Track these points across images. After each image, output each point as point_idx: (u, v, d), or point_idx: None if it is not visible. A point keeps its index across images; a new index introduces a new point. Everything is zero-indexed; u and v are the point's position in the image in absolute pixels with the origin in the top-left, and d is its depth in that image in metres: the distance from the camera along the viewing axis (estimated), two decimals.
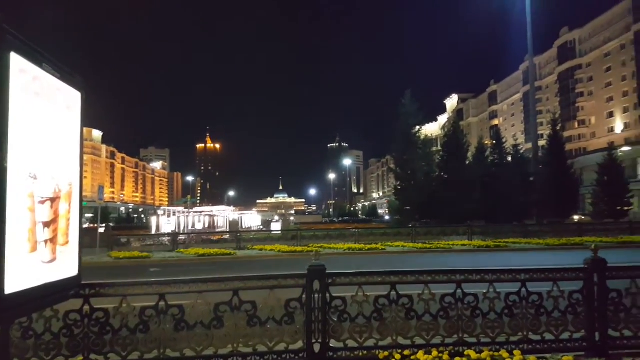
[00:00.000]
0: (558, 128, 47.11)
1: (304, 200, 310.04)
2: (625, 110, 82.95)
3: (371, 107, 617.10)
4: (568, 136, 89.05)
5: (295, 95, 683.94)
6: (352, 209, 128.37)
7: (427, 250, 20.62)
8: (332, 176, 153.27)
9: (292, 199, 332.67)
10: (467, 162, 41.98)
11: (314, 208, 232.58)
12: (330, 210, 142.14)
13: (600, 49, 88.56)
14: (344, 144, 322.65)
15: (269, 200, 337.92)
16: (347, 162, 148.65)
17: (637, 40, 77.38)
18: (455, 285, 5.21)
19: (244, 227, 41.48)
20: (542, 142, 49.97)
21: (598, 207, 42.41)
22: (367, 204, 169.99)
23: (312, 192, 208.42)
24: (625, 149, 59.29)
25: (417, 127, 41.47)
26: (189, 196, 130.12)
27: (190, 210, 40.88)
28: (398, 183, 41.65)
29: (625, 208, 42.11)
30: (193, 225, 32.76)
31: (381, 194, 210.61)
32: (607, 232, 25.69)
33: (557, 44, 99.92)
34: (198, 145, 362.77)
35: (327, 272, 5.08)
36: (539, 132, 63.38)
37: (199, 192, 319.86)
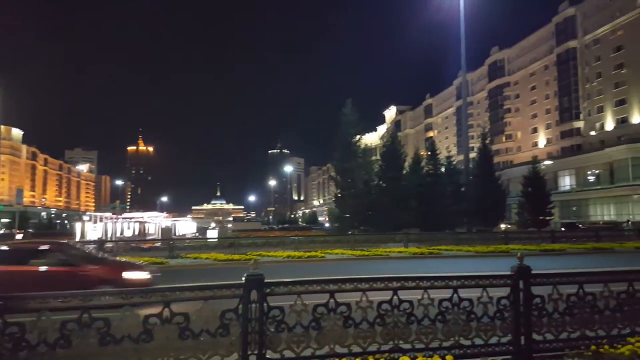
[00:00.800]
0: (487, 141, 49.77)
1: (242, 207, 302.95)
2: (547, 127, 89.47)
3: (313, 115, 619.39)
4: (496, 149, 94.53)
5: (236, 99, 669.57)
6: (292, 216, 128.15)
7: (365, 258, 20.96)
8: (272, 183, 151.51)
9: (231, 206, 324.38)
10: (404, 172, 43.29)
11: (254, 215, 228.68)
12: (270, 217, 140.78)
13: (526, 68, 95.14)
14: (285, 151, 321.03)
15: (205, 206, 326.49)
16: (288, 168, 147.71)
17: (559, 62, 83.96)
18: (392, 292, 5.29)
19: (177, 234, 40.01)
20: (473, 155, 52.59)
21: (523, 217, 45.22)
22: (307, 211, 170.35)
23: (252, 198, 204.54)
24: (547, 162, 63.94)
25: (358, 136, 42.14)
26: (117, 201, 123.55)
27: (119, 216, 38.68)
28: (338, 191, 42.12)
29: (547, 218, 45.24)
30: (122, 232, 31.05)
31: (322, 201, 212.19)
32: (530, 240, 27.37)
33: (488, 62, 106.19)
34: (129, 148, 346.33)
35: (266, 281, 4.98)
36: (470, 145, 66.70)
37: (129, 197, 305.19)
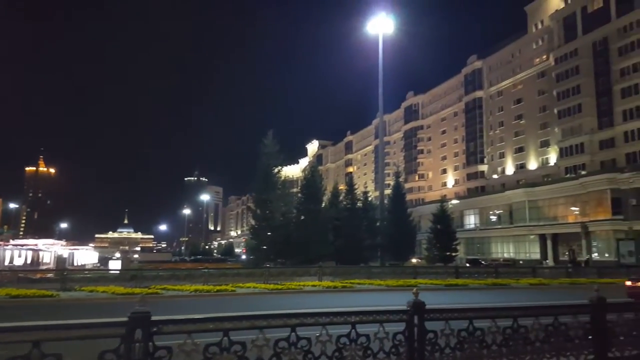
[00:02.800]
0: (401, 179, 52.18)
1: (152, 237, 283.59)
2: (456, 168, 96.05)
3: (235, 144, 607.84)
4: (410, 187, 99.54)
5: (150, 123, 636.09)
6: (207, 247, 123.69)
7: (278, 292, 20.57)
8: (187, 211, 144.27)
9: (139, 235, 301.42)
10: (323, 205, 43.88)
11: (164, 245, 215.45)
12: (183, 248, 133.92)
13: (438, 113, 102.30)
14: (203, 179, 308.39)
15: (110, 235, 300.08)
16: (205, 197, 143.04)
17: (467, 110, 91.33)
18: (290, 330, 5.15)
19: (76, 264, 36.88)
20: (388, 191, 54.78)
21: (431, 252, 47.45)
22: (224, 242, 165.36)
23: (163, 227, 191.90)
24: (455, 202, 68.20)
25: (278, 168, 42.07)
26: (5, 226, 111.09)
27: (7, 243, 34.89)
28: (256, 222, 41.49)
29: (453, 254, 47.86)
30: (11, 261, 28.00)
31: (239, 232, 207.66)
32: (437, 275, 28.66)
33: (404, 105, 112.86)
34: (27, 168, 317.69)
35: (153, 319, 4.61)
36: (386, 182, 69.57)
37: (23, 221, 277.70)
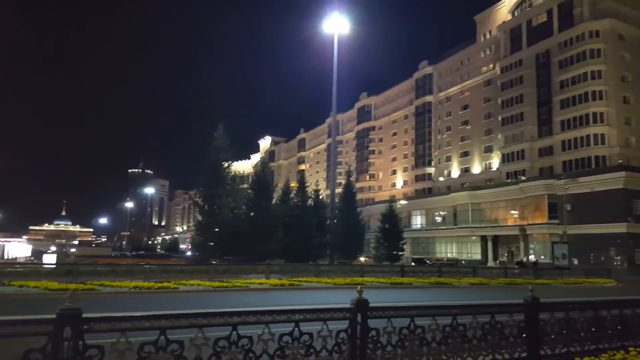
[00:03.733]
0: (352, 179, 52.77)
1: (92, 230, 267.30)
2: (405, 170, 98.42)
3: (184, 137, 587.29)
4: (361, 187, 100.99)
5: (93, 110, 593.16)
6: (150, 242, 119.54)
7: (223, 289, 20.18)
8: (129, 205, 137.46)
9: (77, 228, 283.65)
10: (274, 202, 43.62)
11: (104, 240, 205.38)
12: (124, 243, 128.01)
13: (389, 115, 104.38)
14: (149, 171, 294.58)
15: (46, 227, 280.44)
16: (149, 190, 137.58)
17: (417, 113, 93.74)
18: (231, 328, 5.01)
19: (7, 257, 34.65)
20: (339, 190, 55.27)
21: (379, 251, 48.39)
22: (168, 237, 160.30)
23: (104, 221, 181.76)
24: (403, 202, 69.79)
25: (228, 163, 41.27)
26: None
27: None
28: (202, 218, 40.54)
29: (399, 253, 49.03)
30: None
31: (185, 227, 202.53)
32: (383, 273, 29.16)
33: (357, 106, 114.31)
34: None
35: (84, 316, 4.34)
36: (338, 181, 70.28)
37: None
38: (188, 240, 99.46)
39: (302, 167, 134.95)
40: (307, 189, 47.00)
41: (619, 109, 60.91)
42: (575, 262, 47.70)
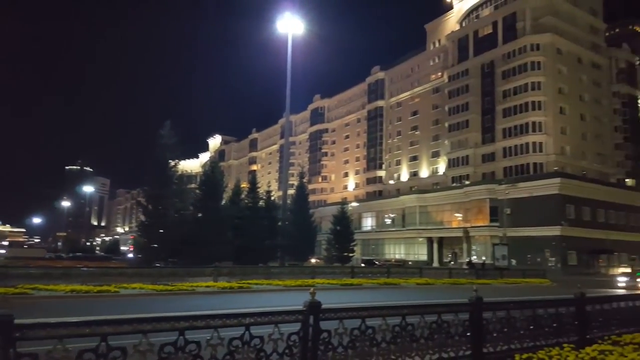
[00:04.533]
0: (305, 180, 52.75)
1: (24, 231, 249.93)
2: (357, 173, 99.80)
3: (128, 134, 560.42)
4: (313, 188, 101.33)
5: (27, 102, 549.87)
6: (88, 243, 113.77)
7: (168, 293, 19.48)
8: (66, 204, 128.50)
9: (7, 228, 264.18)
10: (223, 203, 42.80)
11: (38, 240, 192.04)
12: (60, 244, 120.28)
13: (342, 118, 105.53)
14: (88, 168, 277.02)
15: None
16: (88, 189, 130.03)
17: (369, 117, 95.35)
18: (178, 333, 4.83)
19: None
20: (291, 192, 55.19)
21: (330, 252, 48.70)
22: (108, 239, 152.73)
23: (37, 221, 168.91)
24: (354, 204, 70.66)
25: (175, 161, 39.68)
26: None
27: None
28: (146, 219, 38.88)
29: (350, 254, 49.56)
30: None
31: (127, 228, 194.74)
32: (334, 275, 29.32)
33: (311, 108, 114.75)
34: None
35: (16, 322, 4.04)
36: (290, 182, 70.12)
37: None
38: (130, 241, 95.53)
39: (254, 167, 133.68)
40: (258, 189, 46.46)
41: (555, 119, 64.72)
42: (514, 262, 50.09)
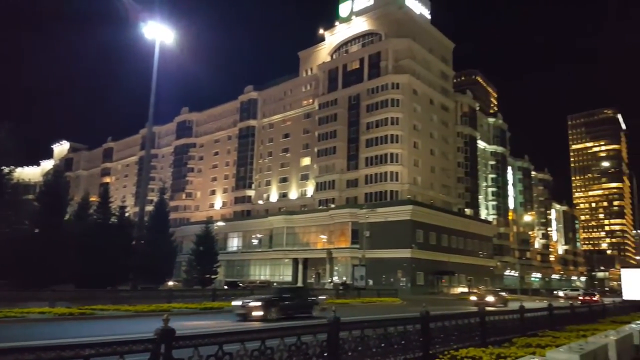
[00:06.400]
0: (167, 197, 49.85)
1: None
2: (224, 191, 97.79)
3: None
4: (175, 206, 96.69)
5: None
6: None
7: None
8: None
9: None
10: (67, 218, 38.19)
11: None
12: None
13: (212, 134, 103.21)
14: None
15: None
16: None
17: (240, 135, 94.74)
18: None
19: None
20: (150, 208, 51.70)
21: (190, 275, 46.50)
22: None
23: None
24: (220, 223, 69.00)
25: (9, 168, 34.17)
26: None
27: None
28: None
29: (213, 276, 47.88)
30: None
31: None
32: (193, 298, 27.96)
33: (177, 120, 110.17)
34: None
35: None
36: (149, 198, 65.76)
37: None
38: None
39: (107, 179, 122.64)
40: (111, 204, 42.40)
41: (410, 152, 71.61)
42: (371, 282, 53.39)
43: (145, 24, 29.90)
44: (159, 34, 30.10)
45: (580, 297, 47.66)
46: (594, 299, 43.45)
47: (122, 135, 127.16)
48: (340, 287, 44.96)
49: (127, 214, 45.52)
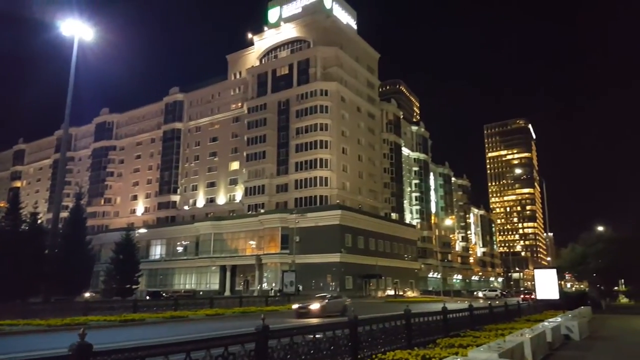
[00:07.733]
0: (83, 202, 46.85)
1: None
2: (147, 196, 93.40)
3: None
4: (93, 211, 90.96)
5: None
6: None
7: None
8: None
9: None
10: None
11: None
12: None
13: (134, 137, 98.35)
14: None
15: None
16: None
17: (165, 138, 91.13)
18: None
19: None
20: (65, 214, 48.17)
21: (109, 285, 43.82)
22: None
23: None
24: (142, 230, 65.77)
25: None
26: None
27: None
28: None
29: (133, 287, 45.44)
30: None
31: None
32: (112, 310, 26.37)
33: (96, 121, 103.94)
34: None
35: None
36: (65, 204, 61.35)
37: None
38: None
39: (17, 184, 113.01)
40: (21, 210, 39.16)
41: (339, 158, 72.87)
42: (301, 288, 53.43)
43: (62, 21, 27.96)
44: (77, 31, 28.25)
45: (522, 296, 56.68)
46: (532, 297, 46.39)
47: (36, 137, 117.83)
48: (278, 295, 44.69)
49: (39, 221, 41.83)
